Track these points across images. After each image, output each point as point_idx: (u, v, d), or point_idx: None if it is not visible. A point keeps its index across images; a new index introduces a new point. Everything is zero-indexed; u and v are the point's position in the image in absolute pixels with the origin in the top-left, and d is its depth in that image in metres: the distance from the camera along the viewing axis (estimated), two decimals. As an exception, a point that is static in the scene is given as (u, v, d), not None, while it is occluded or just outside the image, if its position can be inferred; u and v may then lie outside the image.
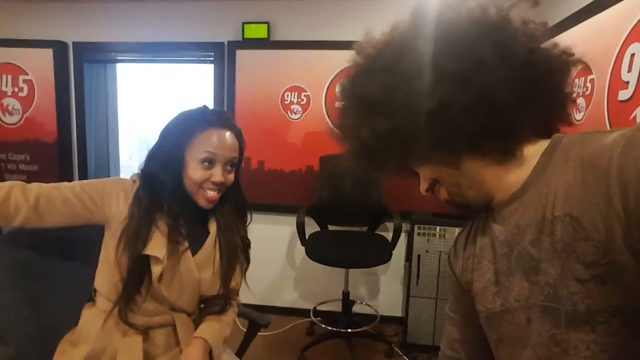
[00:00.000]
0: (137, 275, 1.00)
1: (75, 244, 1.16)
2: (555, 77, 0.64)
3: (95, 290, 1.08)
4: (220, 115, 1.08)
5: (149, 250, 0.99)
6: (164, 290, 1.02)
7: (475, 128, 0.60)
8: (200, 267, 1.08)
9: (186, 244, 1.06)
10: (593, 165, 0.53)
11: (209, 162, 1.03)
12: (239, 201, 1.17)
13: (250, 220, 1.22)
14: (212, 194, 1.05)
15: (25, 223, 0.96)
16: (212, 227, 1.13)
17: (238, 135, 1.09)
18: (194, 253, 1.07)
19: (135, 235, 0.99)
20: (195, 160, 1.02)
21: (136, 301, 1.03)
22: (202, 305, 1.17)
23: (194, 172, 1.02)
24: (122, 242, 0.99)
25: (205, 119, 1.05)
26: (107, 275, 1.04)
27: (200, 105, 1.10)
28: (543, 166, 0.61)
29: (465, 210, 0.73)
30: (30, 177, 2.84)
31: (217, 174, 1.03)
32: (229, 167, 1.07)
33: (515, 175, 0.64)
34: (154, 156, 1.07)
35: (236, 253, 1.14)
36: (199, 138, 1.03)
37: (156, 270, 1.00)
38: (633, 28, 1.30)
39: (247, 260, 1.19)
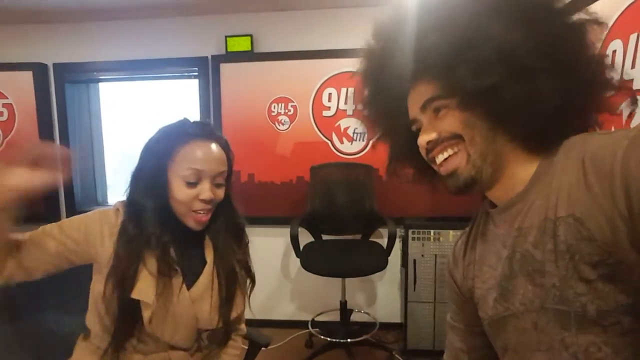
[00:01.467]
0: (127, 318, 0.93)
1: (65, 273, 1.12)
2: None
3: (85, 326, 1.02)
4: (203, 126, 0.98)
5: (136, 294, 0.91)
6: (156, 331, 0.95)
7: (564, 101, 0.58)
8: (197, 300, 0.99)
9: (180, 278, 0.97)
10: (596, 166, 0.53)
11: (195, 179, 0.93)
12: (232, 220, 1.06)
13: (248, 241, 1.12)
14: (203, 214, 0.96)
15: (10, 278, 0.90)
16: (209, 253, 1.04)
17: (224, 146, 1.00)
18: (189, 285, 0.99)
19: (122, 277, 0.91)
20: (179, 179, 0.93)
21: (130, 341, 0.96)
22: (204, 336, 1.06)
23: (179, 192, 0.93)
24: (109, 284, 0.91)
25: (185, 131, 0.95)
26: (97, 316, 0.97)
27: (181, 118, 1.00)
28: (545, 168, 0.60)
29: (463, 190, 0.65)
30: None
31: (205, 190, 0.93)
32: (217, 182, 0.97)
33: (521, 176, 0.63)
34: (135, 180, 0.98)
35: (235, 282, 1.05)
36: (181, 154, 0.93)
37: (146, 314, 0.92)
38: (613, 25, 1.32)
39: (252, 282, 1.10)
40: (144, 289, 0.92)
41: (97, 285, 0.95)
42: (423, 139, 0.66)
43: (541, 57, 0.56)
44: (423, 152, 0.68)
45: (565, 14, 0.60)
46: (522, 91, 0.56)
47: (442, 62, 0.59)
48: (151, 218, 0.94)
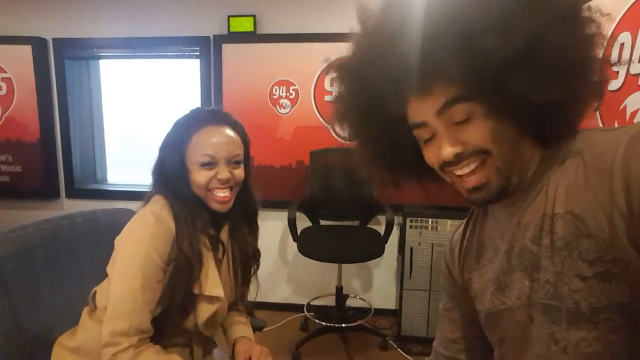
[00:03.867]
0: (183, 312, 0.96)
1: (59, 251, 1.12)
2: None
3: (94, 297, 1.03)
4: (214, 112, 1.01)
5: (208, 290, 0.96)
6: (207, 330, 1.01)
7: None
8: (223, 284, 1.02)
9: (228, 260, 1.04)
10: (596, 163, 0.52)
11: (210, 164, 0.96)
12: (249, 206, 1.09)
13: (257, 229, 1.16)
14: (222, 194, 0.97)
15: None
16: (224, 236, 1.06)
17: (238, 128, 1.02)
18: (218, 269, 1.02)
19: (189, 266, 0.93)
20: (196, 165, 0.96)
21: (164, 332, 0.97)
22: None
23: (198, 176, 0.96)
24: (176, 277, 0.93)
25: (197, 118, 0.99)
26: (140, 305, 0.94)
27: (193, 108, 1.04)
28: (546, 163, 0.60)
29: (494, 201, 0.60)
30: (14, 179, 2.77)
31: (223, 171, 0.96)
32: (233, 164, 0.99)
33: (532, 169, 0.61)
34: (159, 174, 1.00)
35: (250, 266, 1.10)
36: (195, 140, 0.96)
37: (209, 309, 0.97)
38: (622, 17, 1.29)
39: (257, 266, 1.16)
40: (213, 284, 0.97)
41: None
42: (448, 153, 0.55)
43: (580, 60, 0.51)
44: (436, 164, 0.60)
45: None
46: (561, 96, 0.51)
47: (487, 69, 0.49)
48: (190, 202, 0.97)
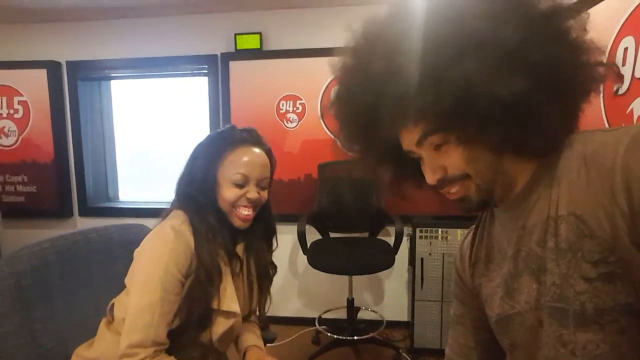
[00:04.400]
0: (201, 326, 0.98)
1: (73, 267, 1.14)
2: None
3: (111, 309, 1.05)
4: (250, 132, 1.05)
5: (225, 306, 0.98)
6: (221, 345, 1.03)
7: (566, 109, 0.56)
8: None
9: (244, 274, 1.07)
10: (597, 164, 0.53)
11: (242, 182, 0.99)
12: (269, 224, 1.14)
13: (277, 246, 1.19)
14: (246, 212, 1.01)
15: None
16: (240, 250, 1.09)
17: (268, 152, 1.06)
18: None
19: (209, 280, 0.96)
20: (228, 181, 0.99)
21: (179, 344, 0.99)
22: None
23: (228, 192, 0.99)
24: (195, 291, 0.95)
25: (234, 137, 1.03)
26: (158, 317, 0.96)
27: (228, 125, 1.08)
28: (545, 166, 0.60)
29: (477, 210, 0.65)
30: (29, 199, 2.84)
31: (252, 191, 1.00)
32: (262, 186, 1.04)
33: (522, 176, 0.62)
34: (187, 182, 1.03)
35: (267, 279, 1.14)
36: (230, 158, 1.00)
37: (225, 324, 1.00)
38: (625, 21, 1.30)
39: (271, 280, 1.20)
40: (230, 299, 0.99)
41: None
42: (431, 180, 0.62)
43: (548, 89, 0.53)
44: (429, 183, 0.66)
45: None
46: (527, 121, 0.54)
47: (449, 105, 0.54)
48: (211, 217, 1.00)
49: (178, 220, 0.98)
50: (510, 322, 0.66)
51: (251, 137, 1.04)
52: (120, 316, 1.00)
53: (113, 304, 1.05)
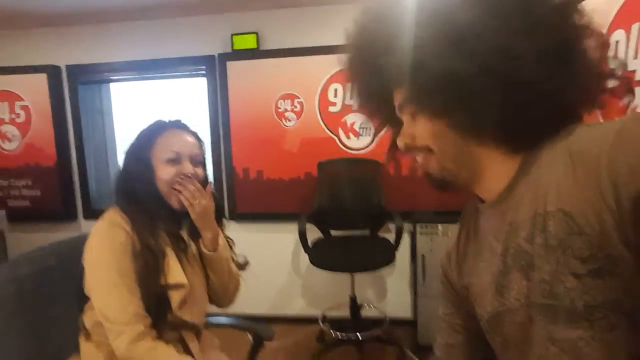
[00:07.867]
0: (161, 305, 1.02)
1: (75, 271, 1.16)
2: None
3: (83, 324, 1.07)
4: (176, 121, 1.13)
5: (172, 278, 1.02)
6: (184, 314, 1.05)
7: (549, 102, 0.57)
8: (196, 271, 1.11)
9: (193, 248, 1.11)
10: (583, 160, 0.52)
11: (175, 159, 1.05)
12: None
13: (225, 225, 1.23)
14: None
15: None
16: (184, 234, 1.13)
17: (196, 136, 1.14)
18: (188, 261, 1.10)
19: (155, 264, 1.00)
20: (163, 162, 1.05)
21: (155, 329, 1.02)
22: None
23: (163, 172, 1.05)
24: (145, 273, 0.99)
25: (161, 124, 1.11)
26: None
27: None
28: (530, 161, 0.60)
29: (443, 188, 0.67)
30: (34, 202, 2.87)
31: (187, 167, 1.06)
32: (195, 163, 1.10)
33: (505, 170, 0.62)
34: (124, 177, 1.09)
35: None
36: (160, 141, 1.07)
37: (177, 297, 1.03)
38: (616, 15, 1.29)
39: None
40: (176, 273, 1.03)
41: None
42: (400, 141, 0.67)
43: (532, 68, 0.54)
44: None
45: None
46: (499, 103, 0.55)
47: (424, 81, 0.58)
48: (148, 201, 1.05)
49: (109, 214, 1.06)
50: (501, 320, 0.65)
51: (176, 123, 1.12)
52: (91, 324, 1.04)
53: (82, 318, 1.07)
